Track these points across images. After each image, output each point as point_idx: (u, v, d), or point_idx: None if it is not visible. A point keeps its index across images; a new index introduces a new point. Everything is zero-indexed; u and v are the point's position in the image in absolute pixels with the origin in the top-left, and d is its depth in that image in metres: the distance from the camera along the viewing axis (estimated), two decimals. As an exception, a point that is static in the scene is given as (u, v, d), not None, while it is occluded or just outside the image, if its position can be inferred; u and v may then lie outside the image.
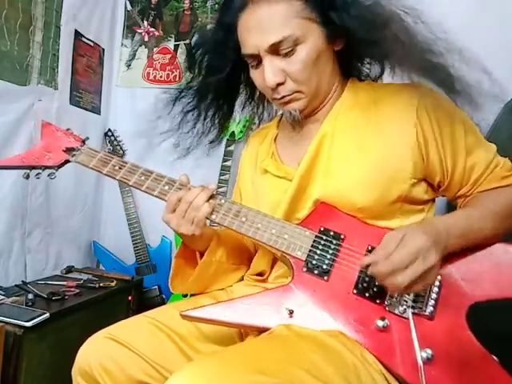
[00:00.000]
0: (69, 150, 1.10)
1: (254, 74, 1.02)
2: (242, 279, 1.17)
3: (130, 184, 1.04)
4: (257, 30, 0.93)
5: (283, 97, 0.99)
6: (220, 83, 1.11)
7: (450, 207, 1.00)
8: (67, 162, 1.11)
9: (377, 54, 0.98)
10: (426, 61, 0.89)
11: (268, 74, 0.95)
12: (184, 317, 0.90)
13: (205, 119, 1.18)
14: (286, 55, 0.93)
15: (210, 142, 1.23)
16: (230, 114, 1.23)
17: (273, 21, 0.91)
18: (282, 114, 1.19)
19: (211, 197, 0.99)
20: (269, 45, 0.92)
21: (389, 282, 0.79)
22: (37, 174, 1.11)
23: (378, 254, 0.81)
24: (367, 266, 0.82)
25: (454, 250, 0.88)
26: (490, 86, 0.88)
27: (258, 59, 0.97)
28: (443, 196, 1.04)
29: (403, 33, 0.87)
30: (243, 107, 1.25)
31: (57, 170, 1.12)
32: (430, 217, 1.01)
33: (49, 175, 1.11)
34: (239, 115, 1.27)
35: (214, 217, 0.98)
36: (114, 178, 1.06)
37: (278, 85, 0.96)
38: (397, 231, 0.83)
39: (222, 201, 1.00)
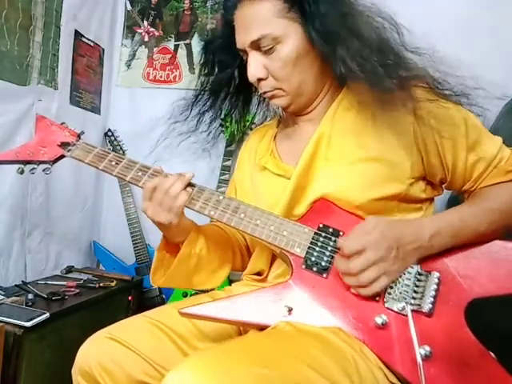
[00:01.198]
0: (64, 145, 1.08)
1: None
2: (239, 279, 1.16)
3: (127, 180, 1.02)
4: (242, 27, 0.98)
5: (265, 92, 1.02)
6: (232, 78, 1.15)
7: (451, 207, 1.00)
8: (62, 156, 1.09)
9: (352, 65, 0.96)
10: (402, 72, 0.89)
11: (250, 68, 0.99)
12: (183, 314, 0.90)
13: (220, 116, 1.21)
14: (267, 52, 0.96)
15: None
16: (246, 108, 1.25)
17: (254, 19, 0.95)
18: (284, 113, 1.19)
19: (189, 185, 0.99)
20: (249, 42, 0.96)
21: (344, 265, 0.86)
22: (31, 169, 1.09)
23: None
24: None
25: (446, 248, 0.89)
26: (480, 88, 0.89)
27: (246, 55, 1.00)
28: (448, 190, 1.04)
29: (373, 41, 0.89)
30: (258, 103, 1.26)
31: (52, 165, 1.10)
32: (427, 215, 1.01)
33: (44, 170, 1.09)
34: (237, 115, 1.26)
35: (212, 213, 0.97)
36: (111, 174, 1.04)
37: (260, 80, 1.00)
38: (369, 222, 0.88)
39: (221, 197, 0.99)
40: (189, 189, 0.98)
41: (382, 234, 0.85)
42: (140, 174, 1.02)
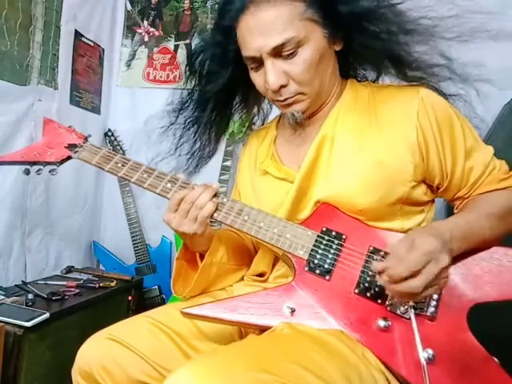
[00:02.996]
0: (71, 147, 1.09)
1: (255, 77, 1.01)
2: (242, 279, 1.16)
3: (132, 181, 1.02)
4: (258, 33, 0.92)
5: (286, 99, 0.98)
6: (219, 90, 1.11)
7: (449, 208, 1.00)
8: (69, 158, 1.10)
9: (376, 54, 0.99)
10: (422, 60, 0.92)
11: (271, 76, 0.94)
12: (185, 314, 0.90)
13: (204, 133, 1.18)
14: (288, 57, 0.93)
15: (209, 156, 1.24)
16: (226, 123, 1.24)
17: (275, 23, 0.90)
18: (281, 115, 1.18)
19: (214, 195, 0.98)
20: (271, 47, 0.91)
21: (404, 286, 0.76)
22: (38, 170, 1.09)
23: (390, 260, 0.78)
24: (380, 273, 0.79)
25: (457, 253, 0.87)
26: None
27: (259, 62, 0.96)
28: (441, 197, 1.04)
29: (404, 30, 0.91)
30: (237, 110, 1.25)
31: (58, 166, 1.11)
32: (430, 218, 1.01)
33: (50, 171, 1.10)
34: (239, 115, 1.26)
35: (215, 215, 0.98)
36: (117, 175, 1.04)
37: (281, 87, 0.96)
38: (405, 237, 0.81)
39: (225, 199, 0.99)
40: (215, 199, 0.98)
41: (433, 236, 0.79)
42: (145, 175, 1.02)
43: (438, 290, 0.83)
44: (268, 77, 0.94)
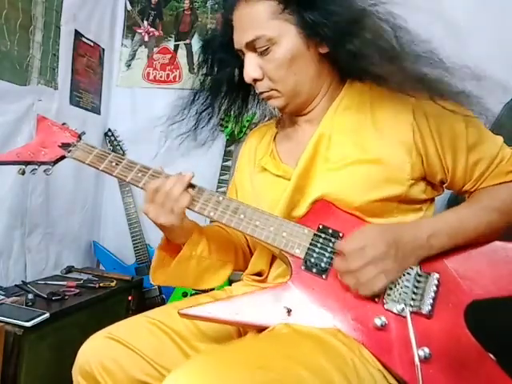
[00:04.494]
0: (64, 146, 1.08)
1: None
2: (239, 279, 1.16)
3: (127, 180, 1.02)
4: (239, 28, 0.99)
5: (261, 93, 1.02)
6: (232, 76, 1.14)
7: (451, 207, 1.00)
8: (63, 157, 1.09)
9: (354, 63, 0.95)
10: (407, 72, 0.89)
11: (245, 69, 0.99)
12: (182, 315, 0.90)
13: (218, 114, 1.21)
14: (263, 53, 0.96)
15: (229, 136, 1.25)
16: (245, 105, 1.24)
17: (250, 20, 0.96)
18: (282, 113, 1.19)
19: (189, 186, 0.98)
20: (244, 42, 0.97)
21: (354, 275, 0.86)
22: (32, 170, 1.08)
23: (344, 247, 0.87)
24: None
25: (445, 249, 0.89)
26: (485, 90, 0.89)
27: (244, 55, 1.00)
28: (449, 190, 1.04)
29: (380, 42, 0.89)
30: (257, 102, 1.25)
31: (52, 166, 1.10)
32: (430, 217, 1.01)
33: (45, 171, 1.09)
34: (236, 112, 1.26)
35: (212, 214, 0.97)
36: (111, 175, 1.03)
37: (256, 81, 1.00)
38: (365, 234, 0.88)
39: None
40: (190, 190, 0.98)
41: (381, 234, 0.86)
42: (140, 174, 1.01)
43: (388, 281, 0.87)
44: (244, 69, 1.00)
